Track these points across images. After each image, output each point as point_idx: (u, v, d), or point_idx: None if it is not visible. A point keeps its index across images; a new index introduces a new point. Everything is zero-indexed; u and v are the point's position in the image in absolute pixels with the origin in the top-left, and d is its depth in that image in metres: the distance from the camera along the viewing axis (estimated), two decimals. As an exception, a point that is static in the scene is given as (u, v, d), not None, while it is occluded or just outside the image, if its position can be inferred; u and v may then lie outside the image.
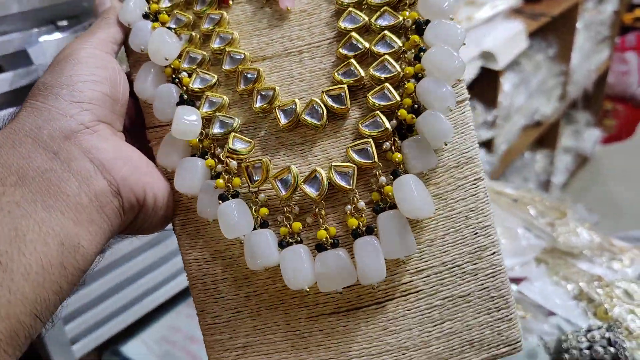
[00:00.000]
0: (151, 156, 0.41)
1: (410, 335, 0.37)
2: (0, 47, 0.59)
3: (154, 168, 0.39)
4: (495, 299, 0.37)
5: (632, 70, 2.72)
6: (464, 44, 0.38)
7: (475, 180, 0.38)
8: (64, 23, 0.62)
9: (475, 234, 0.38)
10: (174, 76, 0.41)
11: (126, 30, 0.42)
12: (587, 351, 0.58)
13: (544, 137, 2.08)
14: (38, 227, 0.31)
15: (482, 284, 0.37)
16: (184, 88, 0.40)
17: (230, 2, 0.43)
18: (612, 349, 0.57)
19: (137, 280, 0.80)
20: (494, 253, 0.38)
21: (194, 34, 0.42)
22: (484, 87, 1.53)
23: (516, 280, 0.78)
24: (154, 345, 0.85)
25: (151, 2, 0.43)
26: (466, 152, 0.39)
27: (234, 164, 0.38)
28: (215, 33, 0.41)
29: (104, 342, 0.79)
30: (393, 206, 0.36)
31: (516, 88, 1.73)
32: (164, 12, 0.43)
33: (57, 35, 0.60)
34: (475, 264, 0.37)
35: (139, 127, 0.43)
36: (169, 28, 0.42)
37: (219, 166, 0.38)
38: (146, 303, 0.82)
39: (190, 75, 0.41)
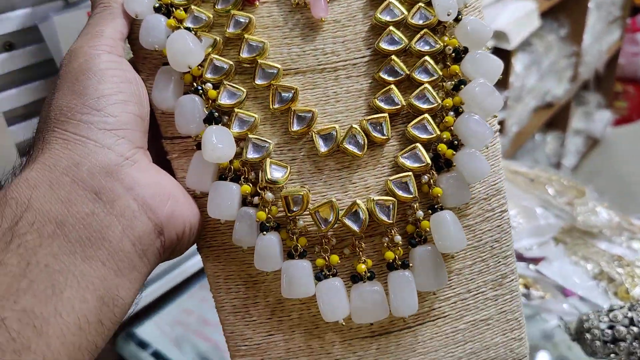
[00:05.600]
0: (166, 167, 0.37)
1: (436, 356, 0.39)
2: (10, 23, 0.58)
3: (188, 196, 0.36)
4: (511, 321, 0.40)
5: (643, 51, 2.68)
6: (501, 77, 0.38)
7: (501, 212, 0.39)
8: (75, -2, 0.61)
9: (498, 262, 0.40)
10: (195, 85, 0.36)
11: (131, 20, 0.37)
12: (609, 331, 0.57)
13: (555, 119, 2.05)
14: (77, 282, 0.28)
15: (500, 308, 0.40)
16: (210, 101, 0.36)
17: (257, 3, 0.38)
18: (634, 329, 0.56)
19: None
20: (512, 280, 0.40)
21: (218, 38, 0.37)
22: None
23: (534, 260, 0.77)
24: (167, 328, 0.85)
25: None
26: (494, 185, 0.39)
27: (269, 196, 0.36)
28: (244, 40, 0.36)
29: (119, 325, 0.78)
30: (427, 238, 0.37)
31: (527, 69, 1.70)
32: (180, 7, 0.37)
33: (69, 11, 0.59)
34: (496, 290, 0.40)
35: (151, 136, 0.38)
36: (187, 28, 0.36)
37: (255, 198, 0.36)
38: (159, 286, 0.81)
39: (215, 87, 0.36)
